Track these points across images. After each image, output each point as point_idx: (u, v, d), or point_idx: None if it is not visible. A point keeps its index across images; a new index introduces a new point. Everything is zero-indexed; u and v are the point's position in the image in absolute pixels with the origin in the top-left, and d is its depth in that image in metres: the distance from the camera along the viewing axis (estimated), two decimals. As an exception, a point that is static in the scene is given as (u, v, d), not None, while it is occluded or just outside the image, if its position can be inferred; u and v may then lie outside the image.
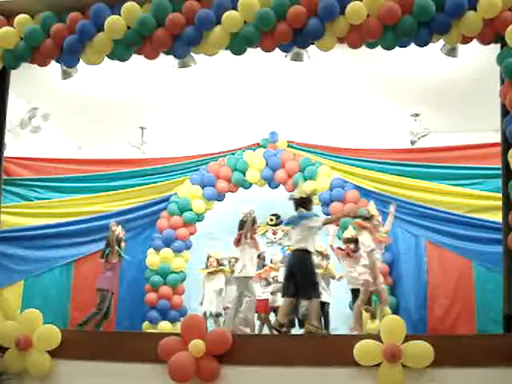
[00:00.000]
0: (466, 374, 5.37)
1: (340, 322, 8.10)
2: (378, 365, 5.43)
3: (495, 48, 6.20)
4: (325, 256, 8.11)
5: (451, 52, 6.50)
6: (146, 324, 8.97)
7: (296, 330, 7.76)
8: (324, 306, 7.77)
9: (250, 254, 7.40)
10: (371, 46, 6.33)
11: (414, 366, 5.41)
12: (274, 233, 10.00)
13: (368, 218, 7.41)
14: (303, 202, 6.74)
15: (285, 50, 6.52)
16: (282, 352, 5.70)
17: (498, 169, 6.44)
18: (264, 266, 8.66)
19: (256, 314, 8.06)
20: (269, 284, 8.45)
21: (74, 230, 9.00)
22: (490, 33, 6.06)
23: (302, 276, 6.44)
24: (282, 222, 9.96)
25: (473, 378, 5.37)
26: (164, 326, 8.89)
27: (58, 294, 8.80)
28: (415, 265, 8.34)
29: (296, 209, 6.75)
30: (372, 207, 7.73)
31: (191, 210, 9.29)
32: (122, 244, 8.18)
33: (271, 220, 9.94)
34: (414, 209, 8.44)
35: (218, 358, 5.70)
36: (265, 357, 5.68)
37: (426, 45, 6.24)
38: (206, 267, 8.72)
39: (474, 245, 7.96)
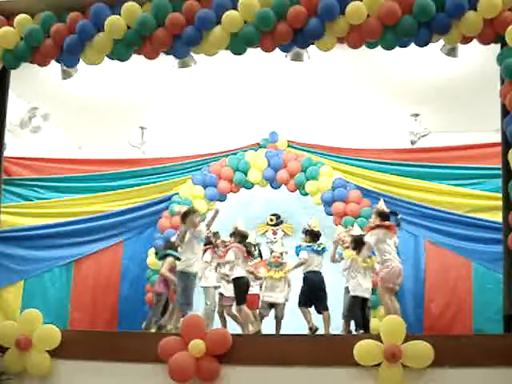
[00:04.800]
0: (466, 374, 5.37)
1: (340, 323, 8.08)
2: (378, 365, 5.43)
3: (495, 48, 6.20)
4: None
5: (451, 52, 6.51)
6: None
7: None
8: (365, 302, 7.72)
9: None
10: (371, 46, 6.33)
11: (414, 365, 5.42)
12: (274, 233, 9.99)
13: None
14: (318, 236, 8.04)
15: (285, 50, 6.53)
16: (282, 352, 5.70)
17: (498, 169, 6.44)
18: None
19: None
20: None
21: (73, 230, 8.97)
22: (490, 33, 6.06)
23: (324, 291, 7.81)
24: (281, 221, 10.01)
25: (473, 378, 5.38)
26: (164, 326, 8.88)
27: (58, 293, 8.78)
28: (413, 264, 8.32)
29: (312, 240, 8.00)
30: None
31: (192, 210, 9.27)
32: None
33: (271, 220, 9.97)
34: (414, 209, 8.43)
35: (218, 357, 5.70)
36: (265, 357, 5.68)
37: (426, 45, 6.23)
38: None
39: (474, 245, 7.95)
